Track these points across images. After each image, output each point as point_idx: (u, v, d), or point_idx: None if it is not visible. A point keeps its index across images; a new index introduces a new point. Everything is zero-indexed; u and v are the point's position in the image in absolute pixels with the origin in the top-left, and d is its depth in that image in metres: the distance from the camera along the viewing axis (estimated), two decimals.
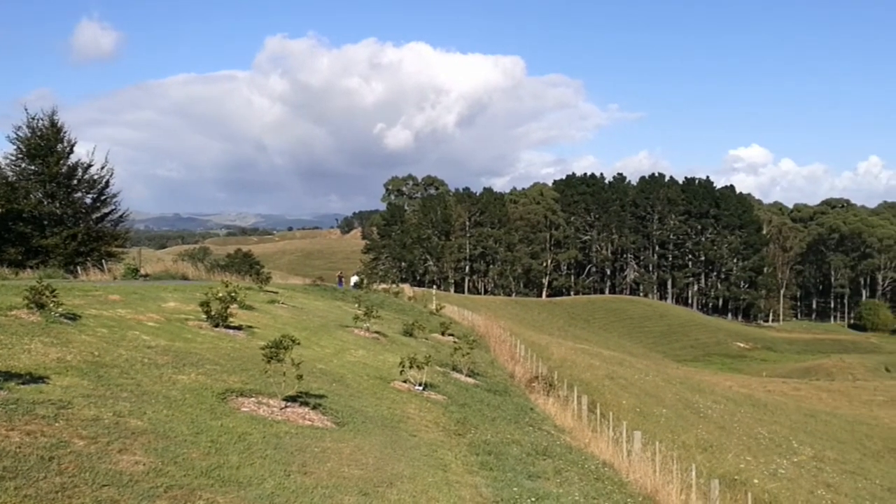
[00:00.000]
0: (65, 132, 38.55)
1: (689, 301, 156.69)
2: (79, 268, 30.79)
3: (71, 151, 38.75)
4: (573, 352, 45.00)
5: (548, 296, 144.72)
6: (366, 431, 10.74)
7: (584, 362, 40.36)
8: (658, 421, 30.11)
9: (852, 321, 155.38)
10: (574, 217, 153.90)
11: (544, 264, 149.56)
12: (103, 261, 34.16)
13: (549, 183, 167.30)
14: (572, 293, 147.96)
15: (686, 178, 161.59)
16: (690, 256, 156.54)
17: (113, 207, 40.67)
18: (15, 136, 37.55)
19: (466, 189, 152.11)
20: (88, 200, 39.93)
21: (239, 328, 16.81)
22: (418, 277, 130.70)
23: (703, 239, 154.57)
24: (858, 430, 42.62)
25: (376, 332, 22.66)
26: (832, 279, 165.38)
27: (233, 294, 17.55)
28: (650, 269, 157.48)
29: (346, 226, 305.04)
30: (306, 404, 11.09)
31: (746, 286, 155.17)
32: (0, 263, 30.89)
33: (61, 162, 37.94)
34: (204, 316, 16.30)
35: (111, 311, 15.42)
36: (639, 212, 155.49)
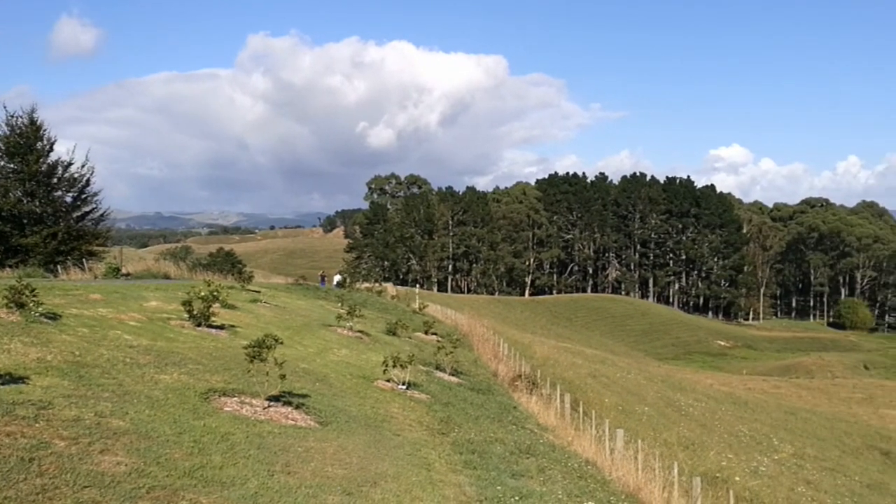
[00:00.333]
0: (44, 130, 38.08)
1: (671, 300, 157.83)
2: (59, 267, 30.50)
3: (51, 149, 38.32)
4: (556, 350, 45.14)
5: (530, 294, 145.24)
6: (349, 431, 10.71)
7: (567, 361, 40.48)
8: (640, 419, 30.26)
9: (831, 319, 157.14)
10: (556, 216, 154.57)
11: (527, 263, 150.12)
12: (84, 260, 33.87)
13: (532, 182, 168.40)
14: (555, 292, 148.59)
15: (667, 177, 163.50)
16: (671, 255, 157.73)
17: (94, 206, 40.24)
18: None
19: (449, 188, 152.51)
20: (69, 199, 39.52)
21: (221, 327, 16.73)
22: (401, 276, 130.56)
23: (683, 238, 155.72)
24: (837, 427, 43.09)
25: (359, 332, 22.63)
26: (811, 278, 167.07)
27: (215, 293, 17.42)
28: (632, 267, 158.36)
29: (329, 225, 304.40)
30: (289, 404, 11.06)
31: (727, 285, 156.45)
32: None
33: (41, 160, 37.48)
34: (186, 315, 16.21)
35: (92, 310, 15.28)
36: (620, 211, 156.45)
